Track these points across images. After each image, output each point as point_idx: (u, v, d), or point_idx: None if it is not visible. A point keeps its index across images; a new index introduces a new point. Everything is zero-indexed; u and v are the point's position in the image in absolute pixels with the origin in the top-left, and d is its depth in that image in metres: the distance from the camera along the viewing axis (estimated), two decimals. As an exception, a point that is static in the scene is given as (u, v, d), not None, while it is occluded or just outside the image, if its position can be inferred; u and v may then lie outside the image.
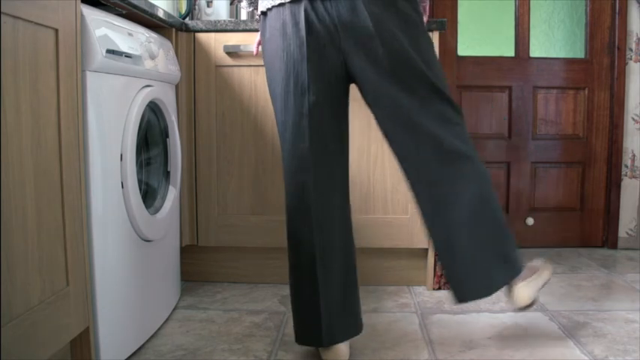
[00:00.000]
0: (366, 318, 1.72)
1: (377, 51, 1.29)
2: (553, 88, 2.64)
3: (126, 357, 1.41)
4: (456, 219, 1.37)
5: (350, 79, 1.38)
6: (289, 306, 1.84)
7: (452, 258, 1.41)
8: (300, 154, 1.35)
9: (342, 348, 1.41)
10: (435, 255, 1.96)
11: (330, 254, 1.39)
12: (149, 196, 1.66)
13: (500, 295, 1.95)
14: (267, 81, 1.44)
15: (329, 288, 1.38)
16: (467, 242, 1.38)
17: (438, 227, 1.40)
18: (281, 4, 1.31)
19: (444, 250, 1.41)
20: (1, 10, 0.92)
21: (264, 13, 1.37)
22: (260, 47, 1.69)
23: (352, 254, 1.45)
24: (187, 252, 2.07)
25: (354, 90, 1.43)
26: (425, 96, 1.34)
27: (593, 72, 2.63)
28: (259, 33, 1.62)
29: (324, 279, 1.37)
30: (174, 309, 1.81)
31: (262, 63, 1.94)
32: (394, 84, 1.32)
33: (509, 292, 1.45)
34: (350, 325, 1.43)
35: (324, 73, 1.33)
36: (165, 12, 1.75)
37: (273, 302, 1.89)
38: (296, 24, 1.29)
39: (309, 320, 1.40)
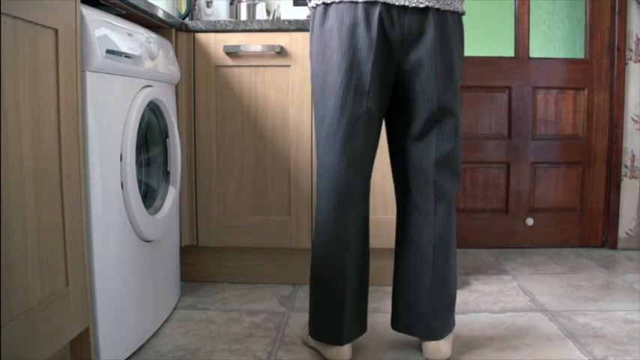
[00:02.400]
0: (366, 318, 1.72)
1: (430, 70, 1.32)
2: (553, 88, 2.64)
3: (126, 357, 1.41)
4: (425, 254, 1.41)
5: (395, 89, 1.38)
6: (289, 306, 1.85)
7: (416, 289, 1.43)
8: (352, 154, 1.35)
9: (346, 347, 1.42)
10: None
11: (363, 250, 1.43)
12: (149, 196, 1.66)
13: (499, 295, 1.96)
14: (315, 73, 1.39)
15: (361, 286, 1.43)
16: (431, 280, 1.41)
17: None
18: (353, 2, 1.29)
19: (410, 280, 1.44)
20: (1, 10, 0.92)
21: (326, 4, 1.34)
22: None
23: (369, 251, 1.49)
24: (187, 252, 2.07)
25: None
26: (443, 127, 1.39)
27: (593, 72, 2.63)
28: (312, 21, 1.41)
29: (362, 276, 1.43)
30: (174, 309, 1.81)
31: (262, 63, 1.96)
32: (426, 108, 1.36)
33: (431, 344, 1.43)
34: (364, 324, 1.47)
35: (382, 79, 1.33)
36: (164, 12, 1.75)
37: (273, 302, 1.89)
38: (368, 25, 1.28)
39: (339, 319, 1.40)
